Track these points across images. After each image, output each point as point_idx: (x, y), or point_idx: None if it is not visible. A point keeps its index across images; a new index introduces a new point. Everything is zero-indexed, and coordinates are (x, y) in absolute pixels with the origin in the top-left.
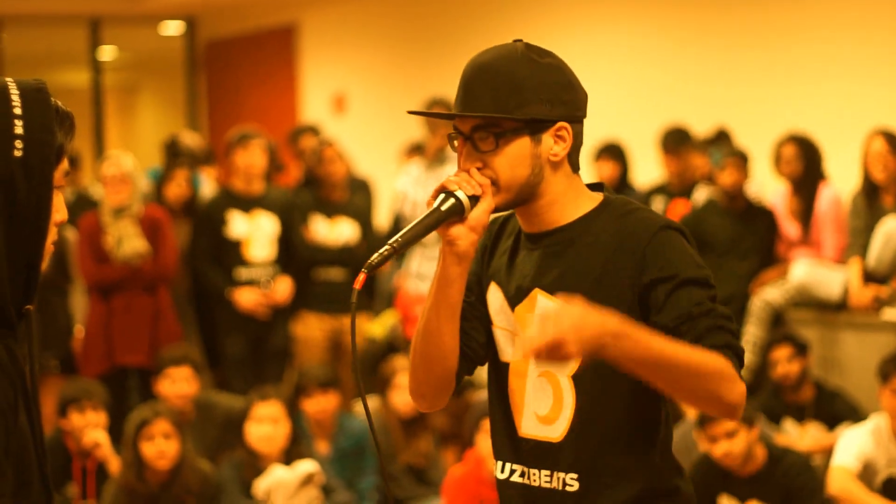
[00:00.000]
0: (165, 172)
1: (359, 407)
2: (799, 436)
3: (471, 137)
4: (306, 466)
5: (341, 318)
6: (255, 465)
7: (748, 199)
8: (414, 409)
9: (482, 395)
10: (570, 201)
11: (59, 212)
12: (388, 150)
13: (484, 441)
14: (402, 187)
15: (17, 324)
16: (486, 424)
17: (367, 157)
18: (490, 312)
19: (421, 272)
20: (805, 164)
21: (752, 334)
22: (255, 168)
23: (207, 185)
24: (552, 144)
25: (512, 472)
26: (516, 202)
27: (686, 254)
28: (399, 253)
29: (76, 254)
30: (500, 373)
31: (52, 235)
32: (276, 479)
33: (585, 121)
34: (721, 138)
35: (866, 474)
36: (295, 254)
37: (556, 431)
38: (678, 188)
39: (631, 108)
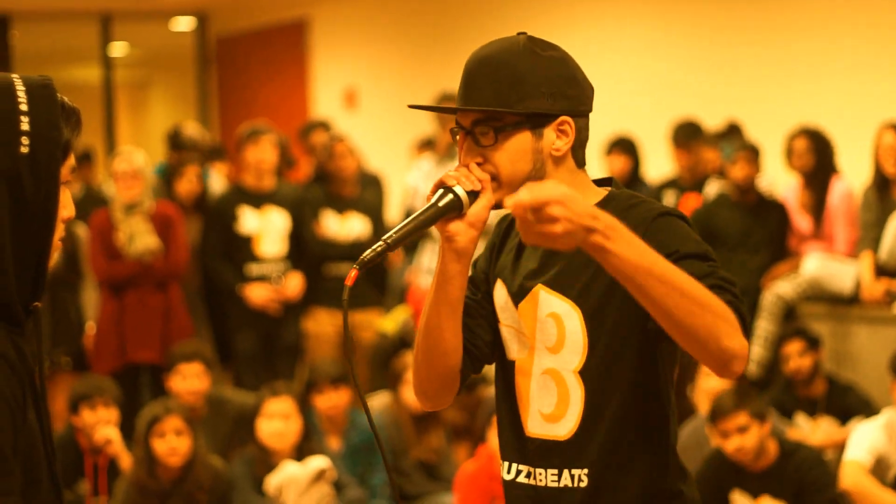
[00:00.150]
0: (173, 167)
1: (370, 402)
2: (811, 430)
3: (471, 132)
4: (318, 462)
5: (352, 314)
6: (266, 461)
7: (759, 193)
8: None
9: (494, 390)
10: None
11: (67, 208)
12: (399, 146)
13: (495, 437)
14: (413, 182)
15: (25, 321)
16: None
17: (378, 152)
18: (496, 310)
19: (432, 267)
20: (817, 158)
21: (763, 329)
22: (265, 164)
23: (217, 181)
24: (554, 139)
25: (518, 472)
26: None
27: (685, 234)
28: (392, 250)
29: (87, 250)
30: (506, 371)
31: (59, 232)
32: (288, 475)
33: (597, 115)
34: (732, 132)
35: (879, 469)
36: (306, 249)
37: (562, 429)
38: (689, 182)
39: (642, 102)
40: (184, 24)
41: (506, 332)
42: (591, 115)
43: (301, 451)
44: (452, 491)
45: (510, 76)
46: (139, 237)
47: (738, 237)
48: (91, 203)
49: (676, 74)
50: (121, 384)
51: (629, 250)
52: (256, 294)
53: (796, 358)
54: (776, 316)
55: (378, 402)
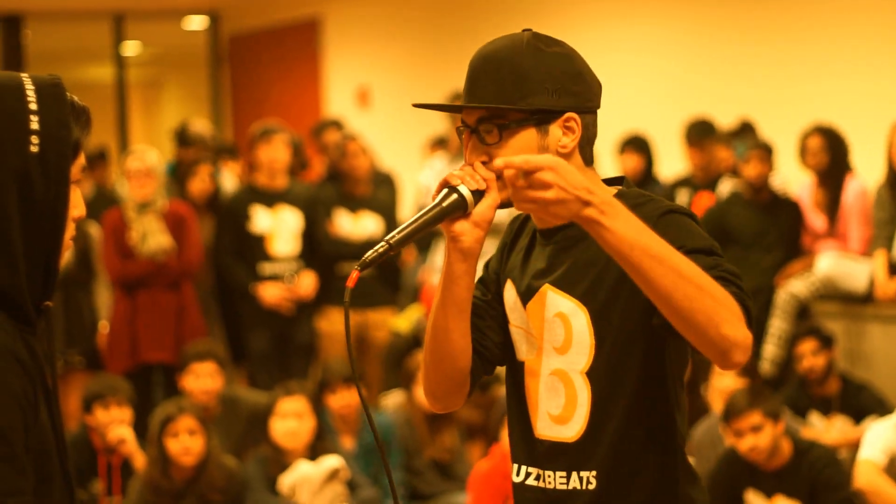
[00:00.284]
0: (182, 164)
1: (384, 401)
2: (825, 429)
3: (476, 130)
4: (331, 462)
5: (366, 313)
6: (280, 460)
7: (773, 192)
8: None
9: None
10: None
11: (77, 207)
12: (411, 144)
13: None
14: (426, 181)
15: (37, 320)
16: None
17: (390, 150)
18: (506, 310)
19: None
20: (831, 156)
21: (777, 327)
22: (278, 163)
23: (228, 180)
24: (560, 136)
25: (528, 474)
26: None
27: (691, 230)
28: (395, 250)
29: (100, 249)
30: (516, 373)
31: (70, 231)
32: (301, 474)
33: (609, 114)
34: (745, 130)
35: (893, 468)
36: (319, 248)
37: (570, 431)
38: (703, 181)
39: (655, 100)
40: (196, 22)
41: (515, 333)
42: (603, 113)
43: (314, 451)
44: (466, 490)
45: (514, 73)
46: (152, 236)
47: (752, 236)
48: (103, 202)
49: (689, 73)
50: (134, 383)
51: (625, 227)
52: (269, 293)
53: (810, 357)
54: (790, 314)
55: (392, 401)
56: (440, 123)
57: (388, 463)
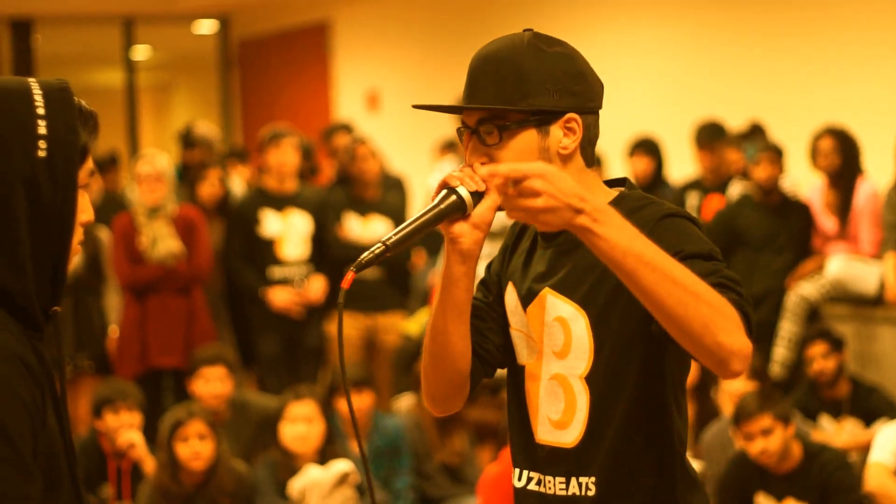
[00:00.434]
0: (188, 167)
1: (396, 405)
2: (835, 432)
3: (476, 131)
4: (341, 466)
5: (375, 317)
6: (289, 465)
7: (783, 194)
8: None
9: None
10: None
11: (85, 212)
12: (421, 148)
13: None
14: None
15: (45, 325)
16: None
17: (400, 154)
18: (507, 313)
19: None
20: (843, 158)
21: (787, 330)
22: (287, 167)
23: (237, 184)
24: (561, 137)
25: (529, 479)
26: None
27: (691, 234)
28: (392, 252)
29: (110, 254)
30: (516, 376)
31: (78, 236)
32: (311, 478)
33: (619, 116)
34: (755, 133)
35: None
36: (328, 252)
37: (569, 436)
38: (713, 183)
39: (665, 103)
40: (206, 27)
41: (515, 337)
42: (613, 115)
43: (324, 455)
44: (476, 494)
45: (514, 73)
46: (162, 241)
47: (762, 238)
48: (114, 207)
49: (699, 75)
50: (144, 388)
51: (618, 234)
52: (279, 297)
53: (820, 360)
54: (800, 317)
55: (404, 404)
56: (450, 127)
57: (367, 464)
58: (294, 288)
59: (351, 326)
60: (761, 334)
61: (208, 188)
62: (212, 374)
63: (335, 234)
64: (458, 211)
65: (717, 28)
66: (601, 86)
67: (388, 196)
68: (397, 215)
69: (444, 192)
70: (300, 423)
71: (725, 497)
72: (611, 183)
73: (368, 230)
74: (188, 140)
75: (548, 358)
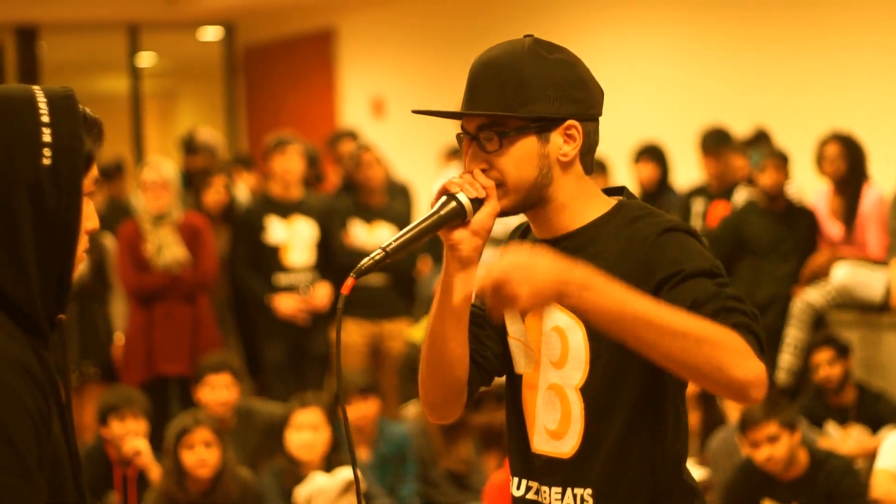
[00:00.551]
0: (191, 174)
1: (405, 412)
2: (842, 439)
3: (476, 137)
4: (347, 473)
5: (381, 324)
6: (295, 472)
7: (788, 200)
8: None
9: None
10: (580, 205)
11: (90, 220)
12: (427, 154)
13: None
14: None
15: (50, 333)
16: None
17: (406, 161)
18: (505, 322)
19: None
20: (849, 164)
21: (793, 336)
22: (292, 173)
23: (242, 191)
24: (561, 144)
25: (528, 489)
26: (524, 205)
27: (691, 250)
28: (392, 258)
29: (115, 261)
30: (514, 385)
31: (83, 244)
32: (317, 486)
33: (625, 123)
34: (760, 139)
35: None
36: (334, 259)
37: (565, 447)
38: (718, 190)
39: (670, 109)
40: (211, 33)
41: (513, 345)
42: (619, 122)
43: (330, 462)
44: (481, 501)
45: (514, 80)
46: (167, 248)
47: (768, 245)
48: (119, 214)
49: (704, 82)
50: (149, 395)
51: (608, 300)
52: (285, 304)
53: (826, 366)
54: (805, 324)
55: (413, 411)
56: (455, 133)
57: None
58: (300, 295)
59: (357, 333)
60: (767, 341)
61: (213, 195)
62: (218, 381)
63: (340, 241)
64: (458, 217)
65: (722, 34)
66: (601, 93)
67: (393, 203)
68: (403, 222)
69: (443, 198)
70: (306, 431)
71: None
72: (609, 191)
73: (374, 237)
74: (190, 146)
75: (545, 367)
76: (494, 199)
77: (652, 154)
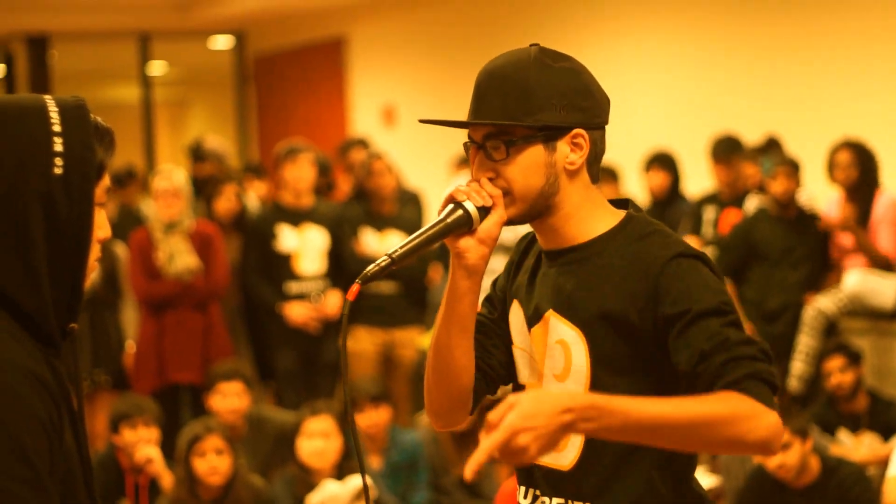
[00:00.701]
0: (200, 181)
1: (419, 420)
2: (854, 446)
3: (483, 146)
4: (358, 481)
5: (392, 332)
6: (307, 480)
7: (799, 208)
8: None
9: None
10: (587, 216)
11: (102, 228)
12: (438, 163)
13: None
14: None
15: (62, 342)
16: None
17: (416, 169)
18: (511, 331)
19: None
20: (860, 171)
21: (804, 344)
22: (303, 182)
23: (252, 199)
24: (568, 152)
25: (535, 497)
26: (531, 214)
27: (700, 282)
28: (398, 265)
29: (127, 270)
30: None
31: (94, 252)
32: (328, 494)
33: (636, 131)
34: (771, 147)
35: None
36: (345, 267)
37: (564, 459)
38: (729, 197)
39: (681, 117)
40: (222, 42)
41: (518, 355)
42: (630, 130)
43: (341, 470)
44: None
45: (520, 89)
46: (179, 256)
47: (779, 252)
48: (130, 222)
49: (715, 89)
50: (161, 403)
51: (615, 420)
52: (296, 312)
53: (838, 374)
54: (817, 331)
55: (420, 420)
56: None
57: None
58: (311, 303)
59: (368, 341)
60: (779, 349)
61: (224, 203)
62: (229, 389)
63: (351, 249)
64: (465, 226)
65: (732, 42)
66: (608, 101)
67: (404, 211)
68: (413, 230)
69: (450, 206)
70: (317, 439)
71: None
72: (615, 204)
73: (385, 245)
74: (198, 154)
75: (548, 380)
76: (501, 208)
77: (663, 162)
